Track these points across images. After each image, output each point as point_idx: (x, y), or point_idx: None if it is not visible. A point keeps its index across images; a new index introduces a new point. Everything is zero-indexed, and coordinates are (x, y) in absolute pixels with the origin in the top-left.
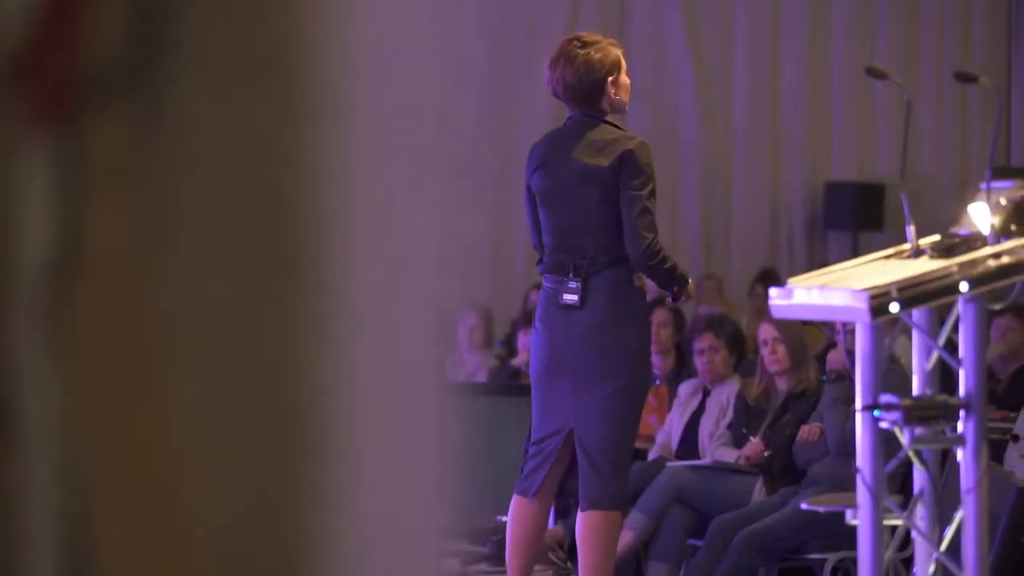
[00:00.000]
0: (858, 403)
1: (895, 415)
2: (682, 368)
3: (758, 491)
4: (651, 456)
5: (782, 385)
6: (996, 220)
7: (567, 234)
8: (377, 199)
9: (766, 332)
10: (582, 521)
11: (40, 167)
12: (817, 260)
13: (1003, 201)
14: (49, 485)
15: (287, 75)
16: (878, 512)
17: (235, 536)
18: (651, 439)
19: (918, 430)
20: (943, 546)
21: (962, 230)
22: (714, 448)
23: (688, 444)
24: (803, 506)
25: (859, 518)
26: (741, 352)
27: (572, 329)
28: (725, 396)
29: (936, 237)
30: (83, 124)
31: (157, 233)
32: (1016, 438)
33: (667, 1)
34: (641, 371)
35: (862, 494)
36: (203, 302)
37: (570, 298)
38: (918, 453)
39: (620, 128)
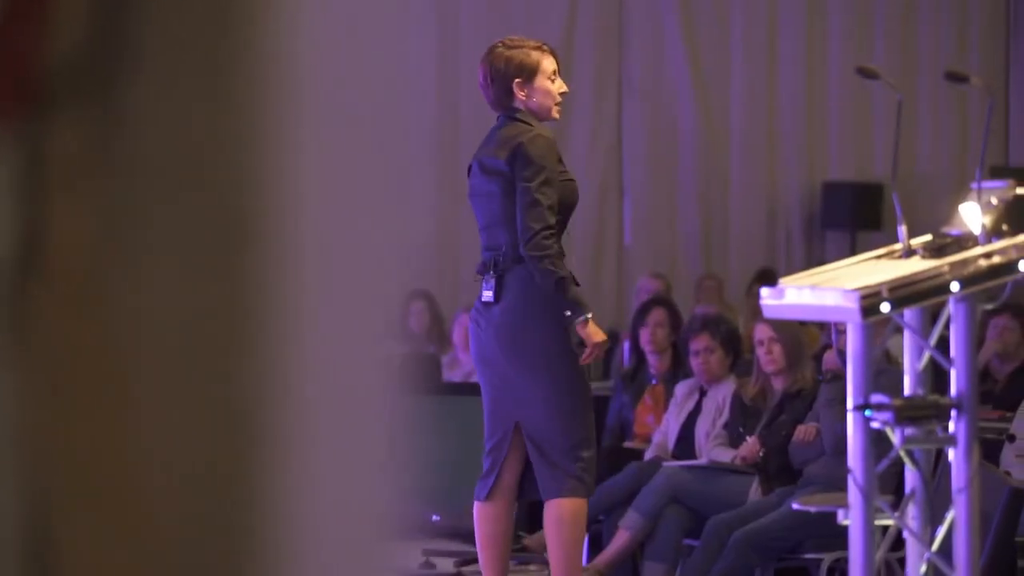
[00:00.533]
0: (849, 403)
1: (886, 415)
2: (678, 368)
3: (754, 491)
4: (648, 456)
5: (778, 385)
6: (987, 220)
7: (488, 232)
8: (328, 197)
9: (762, 332)
10: (545, 512)
11: (1, 166)
12: (815, 260)
13: (994, 201)
14: (10, 482)
15: (241, 78)
16: (869, 512)
17: (191, 530)
18: (648, 439)
19: (909, 430)
20: (935, 546)
21: (954, 230)
22: (710, 448)
23: (685, 444)
24: (794, 506)
25: (850, 518)
26: (737, 352)
27: (491, 326)
28: (721, 396)
29: (928, 237)
30: (43, 123)
31: (114, 232)
32: (1012, 438)
33: (665, 3)
34: (563, 360)
35: (853, 494)
36: (159, 300)
37: (487, 295)
38: (910, 453)
39: (529, 124)
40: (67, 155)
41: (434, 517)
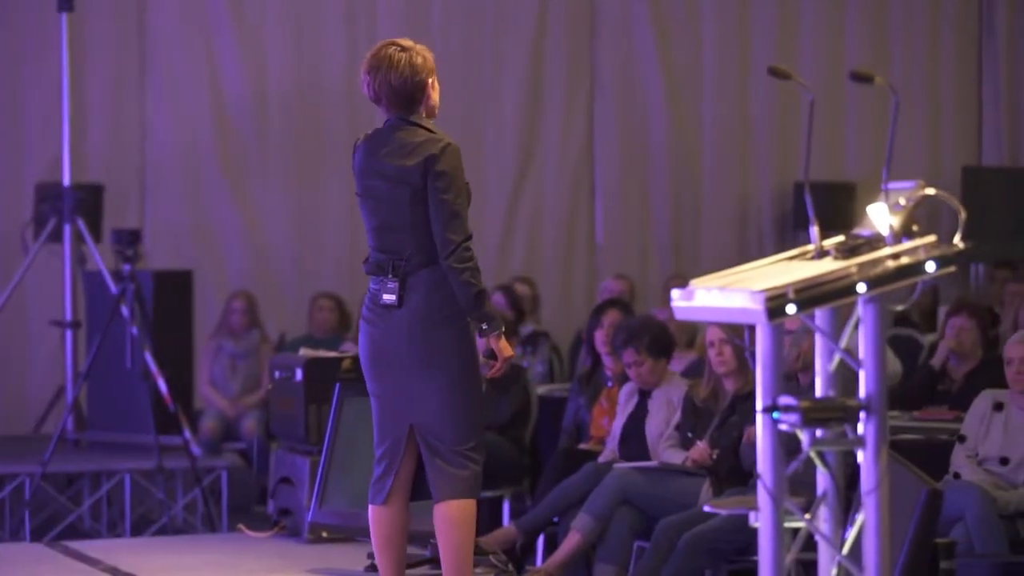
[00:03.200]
0: (758, 405)
1: (794, 417)
2: None
3: (705, 493)
4: (602, 459)
5: (729, 386)
6: (895, 221)
7: (384, 235)
8: None
9: (713, 334)
10: (436, 513)
11: None
12: None
13: (903, 202)
14: None
15: None
16: (779, 515)
17: None
18: (603, 441)
19: (819, 432)
20: (845, 549)
21: (866, 231)
22: (662, 450)
23: (628, 445)
24: (706, 508)
25: (760, 520)
26: (669, 352)
27: (393, 328)
28: (673, 396)
29: (840, 238)
30: None
31: None
32: (963, 438)
33: (637, 3)
34: (463, 364)
35: (763, 497)
36: None
37: (389, 298)
38: (821, 455)
39: (432, 131)
40: None
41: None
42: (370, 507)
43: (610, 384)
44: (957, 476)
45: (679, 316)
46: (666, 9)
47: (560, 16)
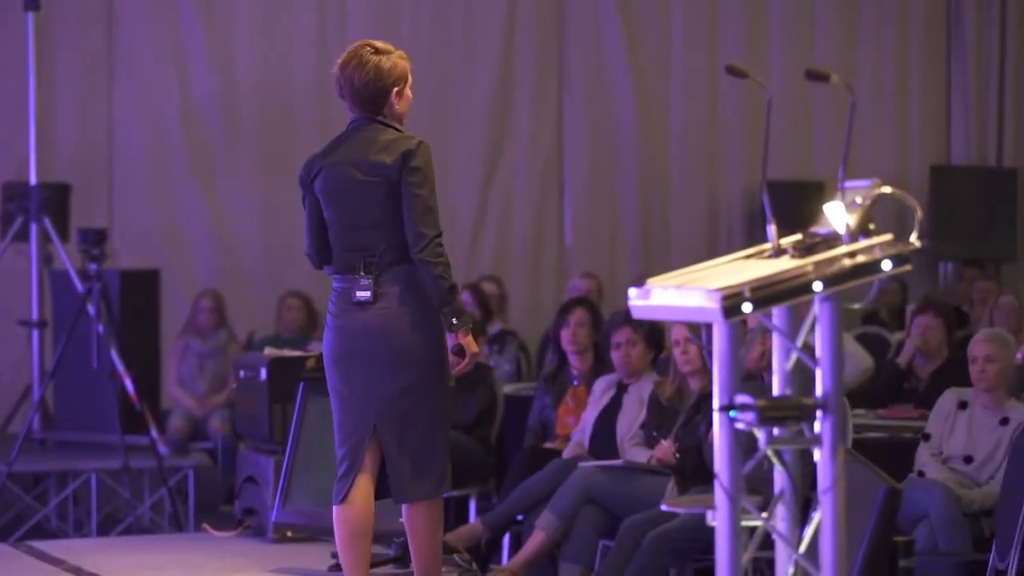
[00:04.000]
0: (715, 403)
1: (750, 416)
2: (600, 368)
3: (670, 492)
4: (566, 454)
5: (694, 385)
6: (852, 219)
7: (355, 234)
8: None
9: (678, 332)
10: (404, 514)
11: None
12: None
13: (859, 200)
14: None
15: None
16: (735, 513)
17: None
18: (569, 439)
19: (775, 431)
20: (802, 547)
21: (823, 229)
22: (627, 448)
23: (601, 440)
24: (663, 507)
25: (717, 519)
26: (659, 348)
27: (364, 325)
28: (645, 392)
29: (798, 236)
30: None
31: None
32: (927, 437)
33: (606, 4)
34: (434, 362)
35: (719, 496)
36: None
37: (363, 295)
38: (778, 453)
39: (400, 131)
40: None
41: None
42: (334, 506)
43: (576, 383)
44: (921, 474)
45: (636, 315)
46: (635, 10)
47: (529, 16)
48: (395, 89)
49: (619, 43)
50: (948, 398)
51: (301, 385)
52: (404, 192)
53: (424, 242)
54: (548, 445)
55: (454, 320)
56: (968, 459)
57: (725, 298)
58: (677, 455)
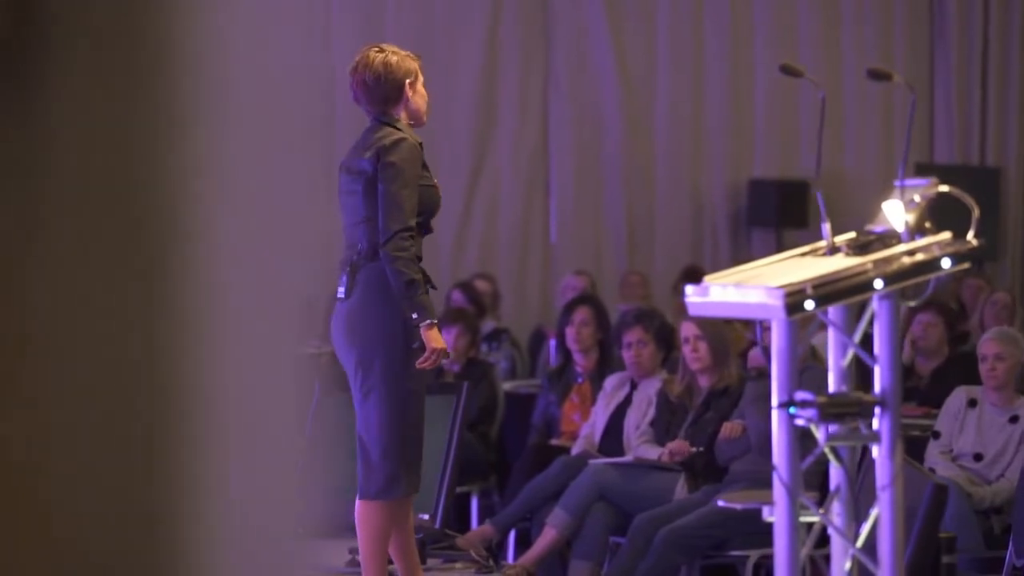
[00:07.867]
0: (774, 400)
1: (810, 412)
2: (605, 366)
3: (680, 488)
4: (575, 451)
5: (704, 382)
6: (910, 217)
7: (348, 232)
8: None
9: (687, 330)
10: (356, 510)
11: None
12: (741, 257)
13: (917, 198)
14: None
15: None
16: (794, 509)
17: (95, 530)
18: (574, 437)
19: (833, 427)
20: (859, 543)
21: (877, 227)
22: (637, 445)
23: (612, 437)
24: (719, 504)
25: (775, 515)
26: (669, 347)
27: (338, 322)
28: (653, 390)
29: (852, 235)
30: None
31: (30, 231)
32: (937, 435)
33: (591, 1)
34: (396, 359)
35: (778, 491)
36: (70, 295)
37: (340, 291)
38: (834, 450)
39: (397, 128)
40: None
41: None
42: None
43: (580, 380)
44: (928, 471)
45: (693, 312)
46: (620, 8)
47: (514, 15)
48: (407, 81)
49: (605, 41)
50: (958, 396)
51: (316, 383)
52: (378, 187)
53: (387, 236)
54: (553, 442)
55: (414, 315)
56: (978, 457)
57: (788, 295)
58: (693, 450)
